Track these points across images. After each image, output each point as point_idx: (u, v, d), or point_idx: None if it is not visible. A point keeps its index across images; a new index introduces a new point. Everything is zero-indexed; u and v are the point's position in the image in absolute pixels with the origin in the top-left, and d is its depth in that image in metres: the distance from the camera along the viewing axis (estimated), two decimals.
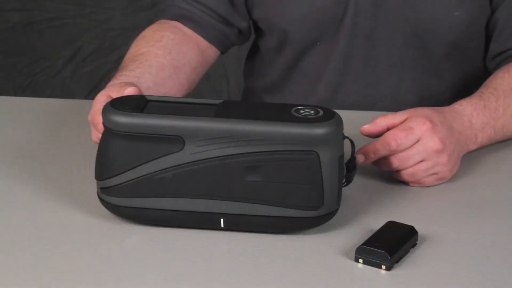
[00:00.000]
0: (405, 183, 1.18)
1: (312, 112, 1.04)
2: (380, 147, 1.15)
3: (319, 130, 1.01)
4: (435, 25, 1.40)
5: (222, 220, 1.04)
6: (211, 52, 1.46)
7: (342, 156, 1.04)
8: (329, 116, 1.03)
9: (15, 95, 2.77)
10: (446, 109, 1.22)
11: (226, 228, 1.05)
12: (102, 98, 1.15)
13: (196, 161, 1.02)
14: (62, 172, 1.20)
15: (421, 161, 1.16)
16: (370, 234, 1.03)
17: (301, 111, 1.04)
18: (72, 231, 1.07)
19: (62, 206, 1.12)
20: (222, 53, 1.50)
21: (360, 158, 1.15)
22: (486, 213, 1.13)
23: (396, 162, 1.16)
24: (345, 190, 1.11)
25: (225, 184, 1.03)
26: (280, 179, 1.02)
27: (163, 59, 1.33)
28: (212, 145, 1.02)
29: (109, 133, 1.04)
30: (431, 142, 1.15)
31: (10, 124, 1.37)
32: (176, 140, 1.02)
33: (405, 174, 1.17)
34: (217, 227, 1.05)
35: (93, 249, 1.03)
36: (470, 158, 1.25)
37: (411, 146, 1.15)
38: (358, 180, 1.17)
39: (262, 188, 1.02)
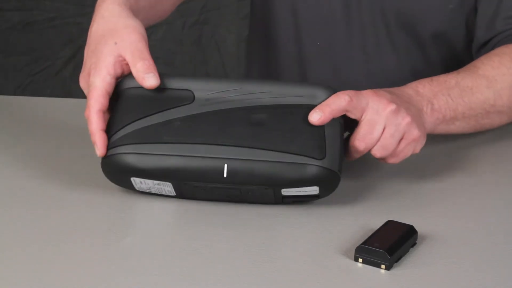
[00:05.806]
0: (404, 183, 1.18)
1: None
2: (359, 150, 1.12)
3: (323, 90, 1.10)
4: (424, 16, 1.41)
5: (225, 166, 1.06)
6: None
7: (342, 125, 1.09)
8: (330, 88, 1.11)
9: (15, 95, 2.77)
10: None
11: (229, 180, 1.06)
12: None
13: (205, 113, 1.08)
14: (62, 172, 1.20)
15: (384, 130, 1.10)
16: (370, 234, 1.03)
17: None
18: (72, 231, 1.07)
19: (62, 206, 1.12)
20: None
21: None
22: (486, 213, 1.13)
23: (362, 144, 1.10)
24: (345, 190, 1.11)
25: (231, 131, 1.07)
26: (284, 127, 1.07)
27: None
28: (220, 97, 1.09)
29: (122, 91, 1.10)
30: (381, 104, 1.10)
31: (10, 124, 1.37)
32: (186, 93, 1.09)
33: (378, 151, 1.11)
34: (220, 178, 1.06)
35: (93, 249, 1.03)
36: (470, 158, 1.25)
37: (362, 120, 1.10)
38: (358, 180, 1.17)
39: (266, 135, 1.07)
